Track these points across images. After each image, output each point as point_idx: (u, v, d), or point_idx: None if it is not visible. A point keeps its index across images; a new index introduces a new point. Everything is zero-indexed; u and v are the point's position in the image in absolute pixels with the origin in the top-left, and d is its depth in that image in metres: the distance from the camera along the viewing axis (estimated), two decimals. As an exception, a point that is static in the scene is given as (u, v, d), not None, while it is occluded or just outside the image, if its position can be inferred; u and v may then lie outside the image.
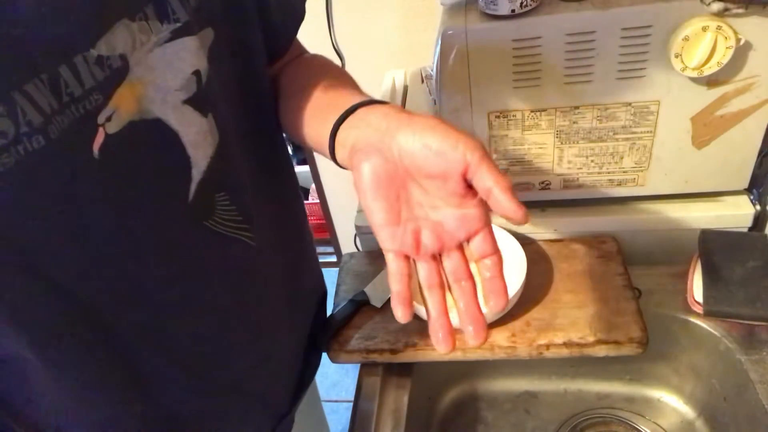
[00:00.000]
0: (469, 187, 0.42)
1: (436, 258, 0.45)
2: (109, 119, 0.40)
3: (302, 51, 0.66)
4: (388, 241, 0.45)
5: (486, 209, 0.43)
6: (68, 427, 0.51)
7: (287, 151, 0.67)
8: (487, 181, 0.40)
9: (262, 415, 0.66)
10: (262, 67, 0.57)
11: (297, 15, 0.61)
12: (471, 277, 0.46)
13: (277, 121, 0.62)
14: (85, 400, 0.50)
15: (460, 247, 0.45)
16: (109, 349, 0.48)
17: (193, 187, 0.47)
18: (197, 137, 0.46)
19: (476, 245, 0.44)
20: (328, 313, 0.80)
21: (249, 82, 0.54)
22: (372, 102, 0.49)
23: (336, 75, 0.59)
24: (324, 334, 0.76)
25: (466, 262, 0.45)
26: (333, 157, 0.50)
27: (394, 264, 0.45)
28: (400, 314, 0.44)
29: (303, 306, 0.73)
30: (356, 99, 0.49)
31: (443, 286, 0.46)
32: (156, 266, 0.47)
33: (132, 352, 0.49)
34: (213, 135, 0.47)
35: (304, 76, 0.60)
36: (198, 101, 0.45)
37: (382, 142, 0.43)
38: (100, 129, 0.39)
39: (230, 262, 0.53)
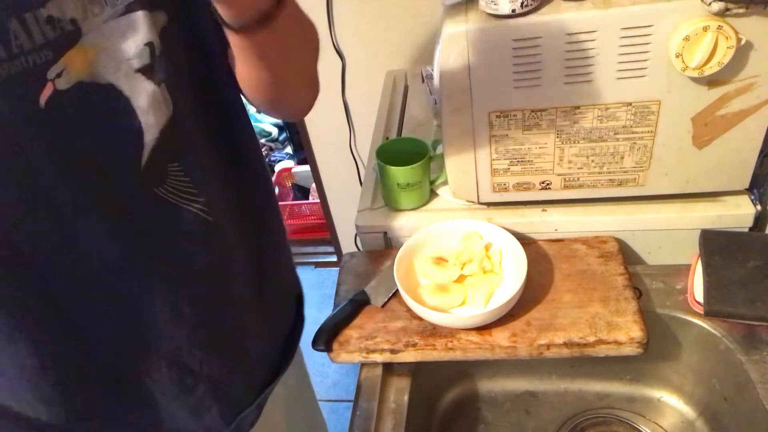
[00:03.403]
0: None
1: None
2: (59, 75, 0.44)
3: None
4: None
5: None
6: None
7: (254, 143, 0.68)
8: None
9: (217, 403, 0.64)
10: (216, 55, 0.59)
11: None
12: None
13: (239, 111, 0.64)
14: (14, 351, 0.51)
15: None
16: (41, 297, 0.50)
17: (146, 153, 0.50)
18: (149, 105, 0.49)
19: None
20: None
21: (203, 69, 0.56)
22: None
23: None
24: (324, 334, 0.76)
25: None
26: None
27: None
28: None
29: (274, 300, 0.72)
30: None
31: None
32: (99, 221, 0.49)
33: (66, 303, 0.51)
34: (167, 104, 0.50)
35: None
36: (150, 71, 0.48)
37: None
38: (49, 83, 0.43)
39: (181, 231, 0.55)
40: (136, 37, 0.47)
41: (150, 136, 0.49)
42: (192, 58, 0.54)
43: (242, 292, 0.65)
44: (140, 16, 0.47)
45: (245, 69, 0.55)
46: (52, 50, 0.43)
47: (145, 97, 0.48)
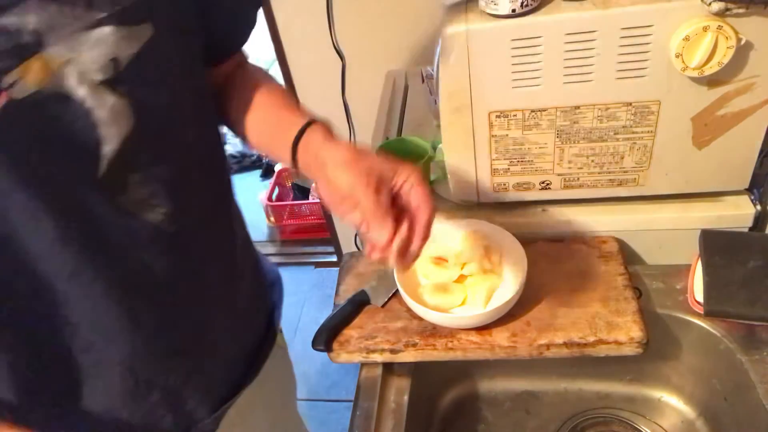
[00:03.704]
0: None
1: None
2: (12, 85, 0.44)
3: (244, 59, 0.71)
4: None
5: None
6: None
7: (223, 158, 0.70)
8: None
9: (171, 413, 0.64)
10: (201, 70, 0.60)
11: (241, 32, 0.67)
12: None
13: (216, 125, 0.66)
14: None
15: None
16: None
17: (103, 164, 0.50)
18: (110, 117, 0.49)
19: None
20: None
21: (187, 82, 0.57)
22: (311, 123, 0.61)
23: (277, 91, 0.68)
24: (324, 334, 0.76)
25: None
26: (295, 166, 0.62)
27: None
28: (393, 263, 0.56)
29: (240, 314, 0.71)
30: (299, 120, 0.61)
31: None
32: (51, 228, 0.50)
33: (17, 301, 0.52)
34: (128, 117, 0.50)
35: (252, 89, 0.67)
36: (114, 84, 0.49)
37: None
38: (3, 92, 0.44)
39: (140, 240, 0.55)
40: (102, 51, 0.48)
41: (109, 147, 0.50)
42: (176, 68, 0.55)
43: (205, 304, 0.64)
44: (109, 31, 0.48)
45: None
46: (8, 59, 0.43)
47: (107, 109, 0.49)
